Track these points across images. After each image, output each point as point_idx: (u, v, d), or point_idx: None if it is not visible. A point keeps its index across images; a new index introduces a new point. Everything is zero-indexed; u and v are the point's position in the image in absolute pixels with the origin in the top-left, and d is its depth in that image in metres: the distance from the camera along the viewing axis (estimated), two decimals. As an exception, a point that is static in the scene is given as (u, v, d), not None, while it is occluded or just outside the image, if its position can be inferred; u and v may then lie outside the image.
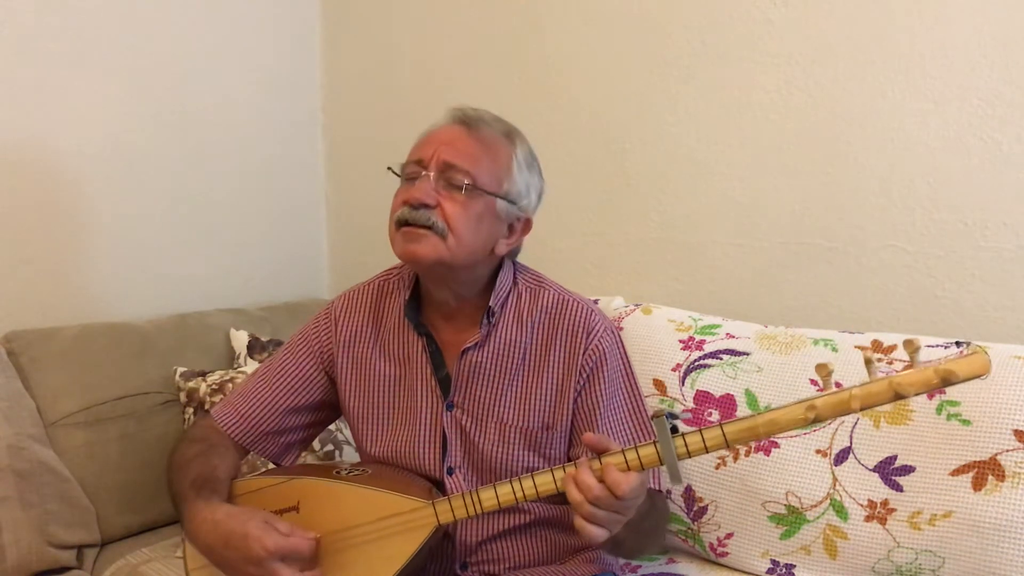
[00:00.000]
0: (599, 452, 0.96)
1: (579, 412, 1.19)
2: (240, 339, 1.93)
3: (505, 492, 1.03)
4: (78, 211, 1.90)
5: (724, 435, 0.92)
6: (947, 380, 0.84)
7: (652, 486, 1.17)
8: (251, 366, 1.83)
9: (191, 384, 1.75)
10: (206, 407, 1.70)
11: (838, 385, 0.88)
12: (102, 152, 1.93)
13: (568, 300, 1.23)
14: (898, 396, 0.85)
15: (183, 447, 1.24)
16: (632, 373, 1.25)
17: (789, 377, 1.37)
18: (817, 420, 0.89)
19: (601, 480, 0.93)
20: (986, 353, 0.83)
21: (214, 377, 1.76)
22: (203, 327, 1.95)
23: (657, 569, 1.41)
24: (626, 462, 0.94)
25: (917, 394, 0.85)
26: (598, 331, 1.20)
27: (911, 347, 0.84)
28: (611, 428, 1.19)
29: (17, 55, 1.78)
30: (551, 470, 1.00)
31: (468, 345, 1.19)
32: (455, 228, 1.12)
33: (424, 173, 1.13)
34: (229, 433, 1.25)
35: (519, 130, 1.23)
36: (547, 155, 1.97)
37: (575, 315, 1.21)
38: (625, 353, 1.25)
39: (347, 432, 1.72)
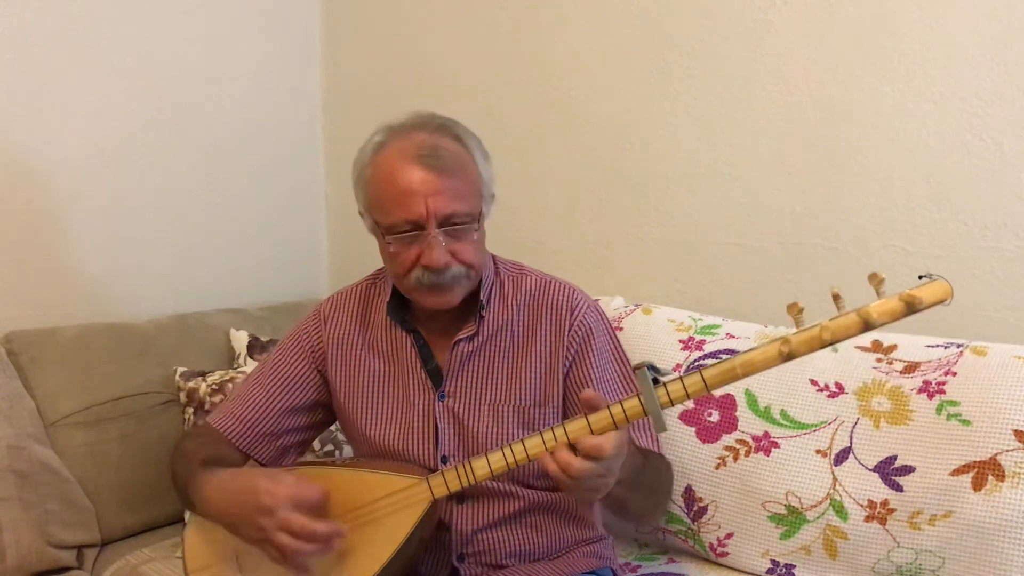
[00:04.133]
0: (594, 409, 0.96)
1: (571, 388, 1.21)
2: (240, 339, 1.93)
3: (496, 459, 1.03)
4: (78, 211, 1.90)
5: (704, 380, 0.93)
6: (912, 306, 0.85)
7: (645, 445, 1.20)
8: (251, 366, 1.83)
9: (191, 384, 1.75)
10: (206, 407, 1.70)
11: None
12: (102, 152, 1.93)
13: (550, 281, 1.27)
14: (867, 326, 0.87)
15: (186, 442, 1.27)
16: (619, 345, 1.28)
17: (789, 377, 1.37)
18: (791, 356, 0.90)
19: (576, 450, 0.93)
20: (948, 282, 0.85)
21: (214, 377, 1.76)
22: (203, 327, 1.95)
23: (657, 569, 1.41)
24: (611, 416, 0.95)
25: (884, 324, 0.87)
26: (582, 308, 1.24)
27: (875, 280, 0.86)
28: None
29: (17, 55, 1.78)
30: (539, 433, 1.00)
31: (461, 337, 1.21)
32: (475, 264, 1.16)
33: (431, 235, 1.11)
34: (227, 435, 1.26)
35: (458, 124, 1.19)
36: (547, 156, 1.99)
37: (558, 294, 1.25)
38: (610, 327, 1.28)
39: (347, 432, 1.73)
